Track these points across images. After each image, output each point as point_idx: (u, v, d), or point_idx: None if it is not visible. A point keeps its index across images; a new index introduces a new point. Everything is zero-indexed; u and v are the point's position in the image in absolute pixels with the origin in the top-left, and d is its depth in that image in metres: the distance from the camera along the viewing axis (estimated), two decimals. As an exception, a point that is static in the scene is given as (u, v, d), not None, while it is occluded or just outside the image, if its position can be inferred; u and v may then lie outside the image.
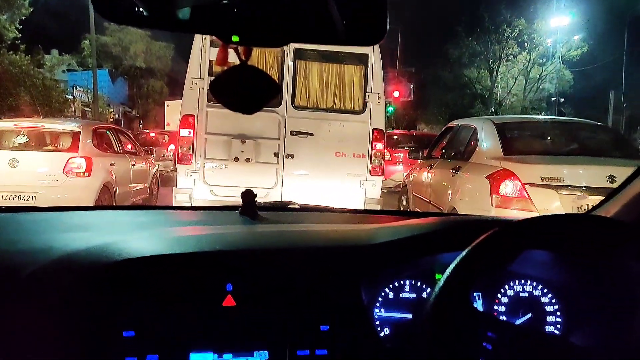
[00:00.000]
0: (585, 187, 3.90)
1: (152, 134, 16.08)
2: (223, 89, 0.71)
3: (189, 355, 0.88)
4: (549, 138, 5.03)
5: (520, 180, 3.99)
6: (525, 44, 30.44)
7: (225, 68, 0.69)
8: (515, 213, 3.96)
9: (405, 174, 7.45)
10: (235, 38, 0.61)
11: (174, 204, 4.95)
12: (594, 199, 3.71)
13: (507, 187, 4.04)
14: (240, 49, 0.68)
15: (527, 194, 3.94)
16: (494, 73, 32.06)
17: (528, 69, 31.01)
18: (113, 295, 0.87)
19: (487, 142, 4.77)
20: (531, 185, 3.96)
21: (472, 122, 5.51)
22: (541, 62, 31.00)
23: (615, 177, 3.84)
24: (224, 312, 0.92)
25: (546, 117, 6.70)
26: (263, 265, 0.97)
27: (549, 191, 3.94)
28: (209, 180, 5.08)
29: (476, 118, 6.18)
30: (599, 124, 5.63)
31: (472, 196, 4.56)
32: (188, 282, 0.92)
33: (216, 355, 0.90)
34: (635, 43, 26.74)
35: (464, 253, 0.83)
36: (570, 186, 3.93)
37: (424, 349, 0.78)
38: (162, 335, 0.88)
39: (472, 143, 5.10)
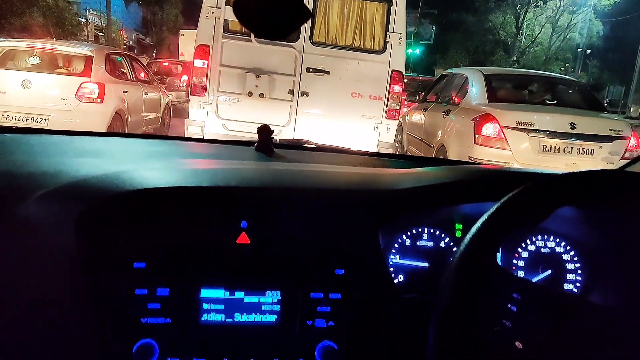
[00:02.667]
0: (549, 131, 4.86)
1: (166, 63, 15.75)
2: (247, 10, 0.64)
3: (200, 290, 0.87)
4: (527, 89, 5.84)
5: (499, 124, 4.84)
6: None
7: None
8: (493, 151, 4.86)
9: (401, 114, 8.03)
10: None
11: (186, 136, 4.94)
12: (555, 141, 4.85)
13: (488, 129, 4.91)
14: None
15: (504, 135, 4.83)
16: (520, 19, 30.66)
17: (557, 17, 29.60)
18: (124, 226, 0.85)
19: (475, 89, 5.57)
20: (508, 128, 4.84)
21: (464, 72, 6.26)
22: (571, 10, 29.52)
23: (575, 124, 4.82)
24: (237, 250, 0.90)
25: (529, 71, 7.85)
26: (279, 204, 0.94)
27: (521, 134, 4.84)
28: (222, 114, 5.02)
29: (468, 68, 6.82)
30: (573, 79, 6.50)
31: (459, 135, 5.30)
32: (201, 217, 0.89)
33: (228, 292, 0.89)
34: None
35: (495, 206, 0.78)
36: (538, 130, 4.85)
37: (446, 303, 0.73)
38: (174, 268, 0.86)
39: (463, 90, 5.85)
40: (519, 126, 4.84)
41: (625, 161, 5.10)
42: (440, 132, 5.78)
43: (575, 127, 4.83)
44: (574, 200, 0.90)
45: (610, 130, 4.98)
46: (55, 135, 1.33)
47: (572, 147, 4.90)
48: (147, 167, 1.03)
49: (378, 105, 5.13)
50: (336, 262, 0.92)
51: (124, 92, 6.71)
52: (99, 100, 6.03)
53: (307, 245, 0.92)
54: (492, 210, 0.77)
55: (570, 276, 1.13)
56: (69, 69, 6.33)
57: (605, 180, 0.83)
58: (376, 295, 0.93)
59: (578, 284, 1.13)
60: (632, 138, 5.00)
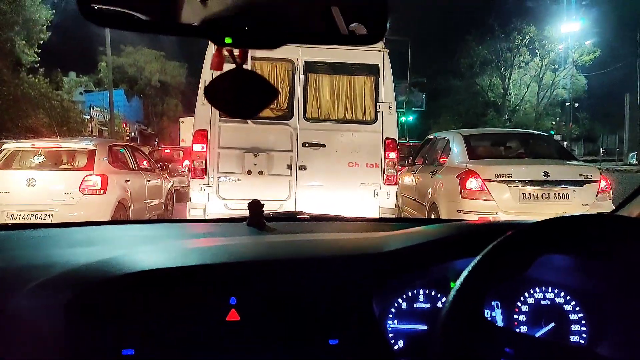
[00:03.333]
0: (526, 180, 5.34)
1: (167, 150, 16.22)
2: (218, 93, 0.68)
3: None
4: (503, 145, 6.51)
5: (481, 178, 5.37)
6: (537, 50, 30.25)
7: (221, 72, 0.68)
8: (479, 202, 5.35)
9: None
10: (228, 40, 0.59)
11: (188, 218, 4.96)
12: (533, 189, 5.32)
13: (472, 183, 5.40)
14: (236, 53, 0.66)
15: (487, 188, 5.33)
16: (506, 80, 31.85)
17: (540, 75, 30.76)
18: (112, 312, 0.84)
19: (457, 149, 6.14)
20: (489, 180, 5.33)
21: (446, 135, 6.90)
22: (554, 68, 30.74)
23: (548, 173, 5.33)
24: (227, 327, 0.88)
25: (503, 129, 9.07)
26: (269, 277, 0.93)
27: (502, 185, 5.34)
28: (223, 194, 5.08)
29: (448, 131, 7.64)
30: (542, 134, 7.47)
31: (447, 191, 5.80)
32: (190, 296, 0.88)
33: None
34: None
35: (476, 259, 0.77)
36: (516, 180, 5.34)
37: None
38: (163, 352, 0.85)
39: (446, 151, 6.41)
40: (498, 178, 5.34)
41: (601, 204, 5.41)
42: (430, 191, 6.23)
43: (549, 175, 5.32)
44: (557, 247, 0.88)
45: (580, 175, 5.45)
46: (51, 229, 1.35)
47: (548, 194, 5.34)
48: (137, 251, 1.03)
49: (375, 173, 5.21)
50: (329, 332, 0.90)
51: (127, 181, 6.85)
52: (102, 191, 6.14)
53: (299, 317, 0.90)
54: (472, 264, 0.76)
55: (575, 327, 1.09)
56: (72, 164, 6.52)
57: (589, 225, 0.82)
58: None
59: (584, 335, 1.09)
60: (601, 181, 5.46)
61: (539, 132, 7.55)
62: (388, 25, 0.65)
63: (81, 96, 30.16)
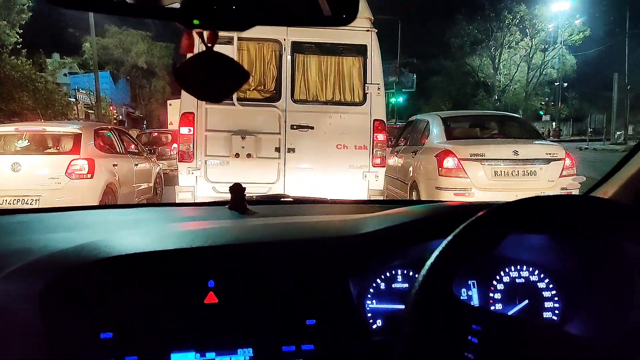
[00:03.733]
0: (498, 159, 5.82)
1: (155, 134, 16.04)
2: (187, 76, 0.67)
3: (170, 355, 0.86)
4: (477, 127, 6.95)
5: (457, 157, 5.80)
6: (527, 30, 30.19)
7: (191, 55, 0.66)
8: (455, 180, 5.79)
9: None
10: (195, 22, 0.58)
11: (177, 202, 4.94)
12: (504, 167, 5.80)
13: (449, 162, 5.84)
14: (205, 35, 0.65)
15: (462, 166, 5.77)
16: (496, 60, 31.84)
17: (530, 55, 30.77)
18: (90, 296, 0.85)
19: (436, 131, 6.58)
20: (464, 159, 5.78)
21: (426, 117, 7.37)
22: (544, 48, 30.75)
23: (518, 152, 5.80)
24: (206, 310, 0.89)
25: (478, 112, 10.09)
26: (246, 260, 0.94)
27: (476, 163, 5.79)
28: (211, 177, 5.07)
29: (429, 114, 7.94)
30: (514, 115, 8.09)
31: (426, 170, 6.23)
32: (168, 280, 0.89)
33: (198, 355, 0.87)
34: (637, 25, 26.45)
35: (447, 239, 0.79)
36: (489, 159, 5.81)
37: (407, 341, 0.74)
38: (142, 335, 0.85)
39: (426, 132, 6.83)
40: (473, 158, 5.80)
41: (566, 180, 5.80)
42: (411, 169, 6.69)
43: (518, 154, 5.81)
44: (529, 227, 0.90)
45: (547, 154, 5.93)
46: (31, 214, 1.34)
47: (518, 171, 5.82)
48: (116, 235, 1.03)
49: (364, 155, 5.21)
50: (307, 312, 0.91)
51: (114, 165, 6.78)
52: (89, 175, 6.08)
53: (276, 299, 0.91)
54: (443, 243, 0.78)
55: (548, 304, 1.12)
56: (58, 148, 6.43)
57: (563, 205, 0.83)
58: (349, 343, 0.91)
59: (557, 312, 1.12)
60: (566, 159, 5.94)
61: (511, 114, 8.16)
62: (359, 6, 0.64)
63: (66, 78, 29.61)
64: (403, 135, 8.02)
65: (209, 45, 0.65)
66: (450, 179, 5.79)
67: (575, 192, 6.03)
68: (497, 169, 5.78)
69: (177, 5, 0.58)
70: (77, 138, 6.27)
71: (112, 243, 0.94)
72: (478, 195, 5.69)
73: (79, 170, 6.03)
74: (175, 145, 13.58)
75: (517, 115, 8.07)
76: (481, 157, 5.78)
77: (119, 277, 0.87)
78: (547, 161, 5.84)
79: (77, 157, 6.08)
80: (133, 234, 1.09)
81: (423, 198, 6.31)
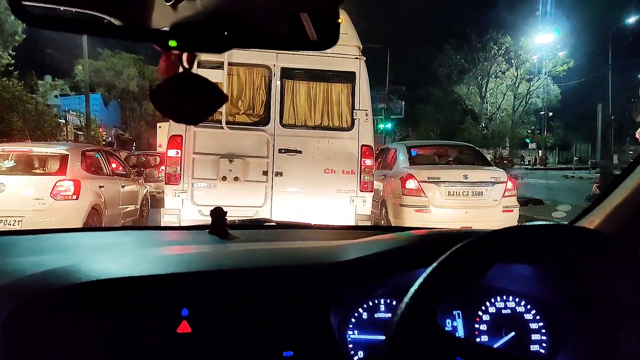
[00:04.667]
0: (451, 181, 6.83)
1: (143, 158, 15.91)
2: (162, 97, 0.66)
3: None
4: (436, 154, 8.20)
5: (417, 180, 6.81)
6: (513, 60, 30.89)
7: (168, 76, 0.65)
8: (415, 199, 6.75)
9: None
10: (172, 43, 0.58)
11: (162, 225, 4.88)
12: (456, 188, 6.82)
13: (410, 184, 6.84)
14: (184, 56, 0.64)
15: (421, 187, 6.78)
16: (483, 89, 32.41)
17: (516, 85, 31.40)
18: (56, 325, 0.80)
19: (401, 157, 7.76)
20: (423, 182, 6.79)
21: (395, 145, 8.81)
22: (529, 78, 31.42)
23: (467, 176, 6.88)
24: (178, 340, 0.84)
25: (437, 141, 11.35)
26: (223, 287, 0.90)
27: (433, 185, 6.80)
28: (197, 200, 5.02)
29: (397, 143, 10.27)
30: (467, 144, 9.19)
31: (392, 190, 7.22)
32: (139, 308, 0.85)
33: None
34: (619, 57, 27.21)
35: (430, 267, 0.76)
36: (444, 181, 6.81)
37: None
38: None
39: (393, 158, 7.97)
40: (430, 180, 6.81)
41: (508, 200, 6.69)
42: (381, 189, 7.56)
43: (468, 178, 6.86)
44: (514, 256, 0.87)
45: (492, 177, 7.02)
46: (4, 237, 1.29)
47: (467, 191, 6.82)
48: (87, 260, 0.99)
49: (351, 180, 5.22)
50: (284, 344, 0.87)
51: (100, 187, 6.73)
52: (74, 197, 6.01)
53: (252, 329, 0.87)
54: (427, 271, 0.75)
55: (535, 336, 1.09)
56: (44, 168, 6.37)
57: (548, 235, 0.81)
58: None
59: (544, 344, 1.09)
60: (508, 182, 7.04)
61: (466, 144, 9.35)
62: (340, 30, 0.64)
63: (57, 100, 29.51)
64: (378, 160, 8.78)
65: (187, 67, 0.64)
66: (411, 197, 6.80)
67: (515, 210, 7.10)
68: (450, 190, 6.80)
69: (154, 27, 0.57)
70: (63, 159, 6.22)
71: (82, 268, 0.90)
72: (434, 212, 6.72)
73: (65, 191, 5.96)
74: (163, 167, 13.46)
75: (471, 145, 9.10)
76: (437, 180, 6.81)
77: (88, 304, 0.83)
78: (492, 184, 6.90)
79: (63, 178, 6.03)
80: (106, 258, 1.04)
81: (390, 214, 7.19)
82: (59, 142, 11.26)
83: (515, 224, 6.61)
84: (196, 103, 0.67)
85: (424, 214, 6.65)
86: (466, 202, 6.78)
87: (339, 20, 0.65)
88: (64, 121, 24.83)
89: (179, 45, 0.59)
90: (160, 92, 0.66)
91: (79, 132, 26.62)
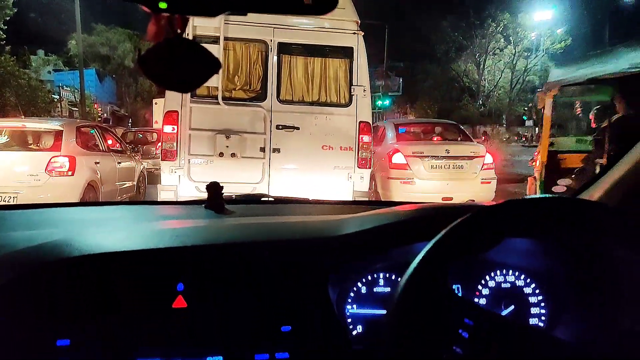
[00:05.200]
0: (433, 156, 7.31)
1: (140, 135, 15.80)
2: (152, 64, 0.62)
3: None
4: (421, 131, 8.75)
5: (403, 154, 7.31)
6: (511, 37, 30.58)
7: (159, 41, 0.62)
8: (401, 171, 7.24)
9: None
10: (162, 5, 0.54)
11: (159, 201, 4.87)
12: (438, 162, 7.30)
13: (396, 158, 7.33)
14: (174, 21, 0.60)
15: (407, 161, 7.28)
16: (481, 66, 32.16)
17: (514, 62, 31.16)
18: (46, 300, 0.78)
19: (389, 133, 8.22)
20: (408, 156, 7.29)
21: (385, 123, 9.33)
22: (526, 55, 31.16)
23: (449, 150, 7.40)
24: (173, 314, 0.83)
25: (423, 119, 11.74)
26: (219, 262, 0.88)
27: (417, 159, 7.28)
28: (194, 177, 4.99)
29: (387, 120, 10.51)
30: (450, 122, 9.56)
31: (381, 164, 7.58)
32: (133, 282, 0.83)
33: None
34: (616, 34, 26.97)
35: (432, 242, 0.75)
36: (427, 155, 7.29)
37: (388, 347, 0.70)
38: (103, 341, 0.79)
39: (382, 135, 8.35)
40: (415, 154, 7.30)
41: (486, 172, 7.07)
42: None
43: (449, 152, 7.37)
44: (518, 229, 0.86)
45: (471, 152, 7.50)
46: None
47: (449, 165, 7.33)
48: (80, 234, 0.97)
49: (349, 156, 5.21)
50: (282, 318, 0.86)
51: (96, 163, 6.68)
52: (69, 173, 5.97)
53: (249, 303, 0.86)
54: (427, 246, 0.74)
55: (534, 310, 1.09)
56: (38, 144, 6.31)
57: (550, 207, 0.80)
58: (327, 350, 0.86)
59: (543, 317, 1.09)
60: (486, 156, 7.48)
61: (449, 121, 9.82)
62: (338, 4, 0.61)
63: (50, 75, 29.10)
64: None
65: (178, 31, 0.61)
66: (398, 170, 7.31)
67: (493, 182, 7.49)
68: (433, 164, 7.30)
69: None
70: (58, 135, 6.16)
71: (74, 242, 0.88)
72: (418, 184, 7.24)
73: (60, 167, 5.92)
74: (160, 144, 13.36)
75: (453, 122, 9.58)
76: (421, 154, 7.30)
77: (80, 278, 0.81)
78: (471, 158, 7.40)
79: (58, 154, 5.98)
80: (100, 232, 1.02)
81: (378, 186, 7.63)
82: (52, 118, 11.15)
83: (493, 195, 7.39)
84: (188, 70, 0.64)
85: (408, 186, 7.19)
86: (448, 174, 7.31)
87: None
88: (57, 97, 24.54)
89: (170, 6, 0.56)
90: (149, 58, 0.62)
91: (73, 109, 26.36)
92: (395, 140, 7.94)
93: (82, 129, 6.90)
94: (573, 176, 5.88)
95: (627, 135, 4.77)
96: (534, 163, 6.97)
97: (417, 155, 7.29)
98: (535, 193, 6.55)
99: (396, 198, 7.18)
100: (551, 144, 6.75)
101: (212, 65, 0.66)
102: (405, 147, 7.46)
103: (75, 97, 25.78)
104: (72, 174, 5.99)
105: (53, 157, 5.93)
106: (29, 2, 21.27)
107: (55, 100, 22.92)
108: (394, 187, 7.22)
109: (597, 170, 5.23)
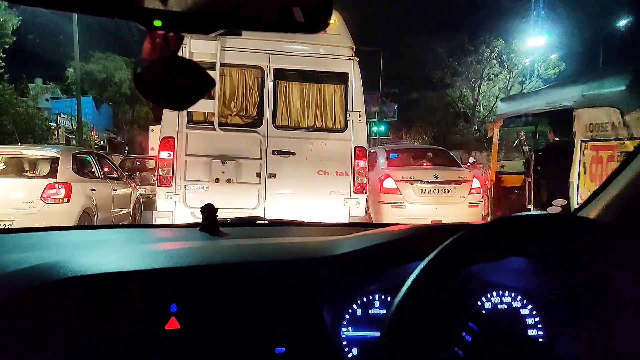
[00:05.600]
0: (423, 180, 7.66)
1: (139, 160, 15.91)
2: (148, 82, 0.62)
3: None
4: (411, 156, 9.05)
5: (393, 179, 7.66)
6: (505, 63, 31.09)
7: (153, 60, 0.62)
8: (391, 196, 7.59)
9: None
10: (157, 23, 0.55)
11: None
12: (427, 187, 7.66)
13: (387, 183, 7.67)
14: (169, 39, 0.60)
15: (397, 186, 7.62)
16: (476, 92, 32.58)
17: (508, 87, 31.59)
18: (39, 322, 0.78)
19: (381, 159, 8.58)
20: (399, 181, 7.64)
21: (378, 149, 9.65)
22: (521, 81, 31.62)
23: (437, 175, 7.74)
24: (167, 336, 0.82)
25: (413, 145, 12.22)
26: (212, 283, 0.88)
27: (407, 184, 7.61)
28: (190, 203, 4.97)
29: (379, 147, 10.67)
30: (439, 148, 10.21)
31: (373, 188, 7.47)
32: (126, 303, 0.83)
33: None
34: (609, 60, 27.48)
35: (425, 261, 0.75)
36: (417, 180, 7.65)
37: (385, 357, 0.69)
38: None
39: (375, 160, 8.59)
40: (405, 179, 7.64)
41: (473, 196, 7.29)
42: None
43: (438, 177, 7.70)
44: (514, 246, 0.86)
45: (459, 177, 7.88)
46: None
47: (437, 189, 7.66)
48: (74, 256, 0.96)
49: (345, 181, 5.21)
50: (276, 340, 0.85)
51: (92, 190, 6.67)
52: (65, 200, 5.95)
53: (243, 325, 0.85)
54: (421, 265, 0.74)
55: (531, 332, 1.08)
56: (35, 171, 6.30)
57: (546, 225, 0.79)
58: None
59: (540, 339, 1.07)
60: (474, 181, 7.81)
61: (437, 147, 10.37)
62: (332, 12, 0.62)
63: (47, 103, 29.27)
64: None
65: (173, 49, 0.61)
66: (388, 195, 7.65)
67: (480, 206, 7.78)
68: (422, 188, 7.67)
69: (138, 4, 0.54)
70: (54, 162, 6.17)
71: (67, 264, 0.87)
72: (408, 207, 7.57)
73: (55, 194, 5.90)
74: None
75: (443, 148, 10.12)
76: (411, 179, 7.68)
77: (72, 300, 0.80)
78: (460, 182, 7.77)
79: (54, 182, 5.96)
80: (93, 254, 1.01)
81: (370, 210, 7.78)
82: (49, 145, 11.16)
83: (480, 218, 7.59)
84: (183, 88, 0.64)
85: (399, 209, 7.55)
86: (436, 198, 7.69)
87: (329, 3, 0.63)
88: (55, 124, 24.64)
89: (164, 25, 0.56)
90: (144, 76, 0.62)
91: (70, 136, 26.44)
92: (387, 165, 8.39)
93: (78, 155, 6.90)
94: (515, 191, 7.73)
95: (549, 157, 6.41)
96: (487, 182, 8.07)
97: (407, 180, 7.69)
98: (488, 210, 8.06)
99: (387, 221, 7.32)
100: (502, 167, 8.35)
101: (207, 83, 0.66)
102: (396, 173, 7.88)
103: (72, 125, 25.88)
104: (68, 201, 5.97)
105: (49, 184, 5.92)
106: (28, 30, 21.56)
107: (53, 127, 23.01)
108: (385, 210, 7.53)
109: (529, 187, 6.84)
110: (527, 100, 7.59)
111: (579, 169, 4.80)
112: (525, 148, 8.81)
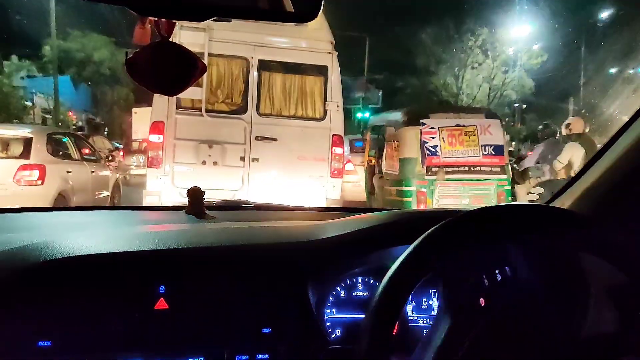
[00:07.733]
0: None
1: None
2: (139, 67, 0.63)
3: None
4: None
5: (353, 163, 9.71)
6: (489, 52, 31.34)
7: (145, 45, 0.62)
8: (352, 177, 9.31)
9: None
10: (149, 10, 0.56)
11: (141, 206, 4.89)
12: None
13: (349, 166, 8.75)
14: (161, 25, 0.60)
15: (356, 169, 9.46)
16: (460, 80, 32.83)
17: (492, 77, 31.89)
18: (27, 301, 0.78)
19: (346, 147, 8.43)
20: (358, 165, 9.47)
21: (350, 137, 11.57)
22: (504, 70, 31.97)
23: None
24: (155, 316, 0.84)
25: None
26: (200, 265, 0.90)
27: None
28: (178, 183, 5.26)
29: (346, 136, 13.23)
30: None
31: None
32: (115, 285, 0.84)
33: None
34: (593, 53, 27.93)
35: (411, 246, 0.76)
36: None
37: (365, 350, 0.71)
38: (84, 343, 0.79)
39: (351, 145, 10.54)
40: (361, 164, 9.08)
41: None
42: None
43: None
44: (495, 234, 0.87)
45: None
46: None
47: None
48: (61, 238, 0.96)
49: (323, 166, 5.59)
50: (262, 320, 0.88)
51: (68, 172, 6.51)
52: (39, 182, 5.81)
53: (230, 305, 0.87)
54: (407, 251, 0.75)
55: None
56: (6, 152, 6.11)
57: (524, 214, 0.81)
58: (307, 352, 0.88)
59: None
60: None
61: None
62: (322, 2, 0.62)
63: (23, 81, 28.44)
64: None
65: (165, 35, 0.61)
66: (349, 176, 8.86)
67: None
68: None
69: None
70: (27, 142, 6.00)
71: (55, 245, 0.88)
72: (363, 186, 8.73)
73: (28, 176, 5.76)
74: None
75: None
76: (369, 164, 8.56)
77: (61, 280, 0.81)
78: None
79: (27, 163, 5.80)
80: (80, 236, 1.01)
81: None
82: (24, 124, 10.90)
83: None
84: (173, 72, 0.64)
85: (358, 189, 8.92)
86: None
87: None
88: (31, 104, 24.03)
89: (156, 11, 0.56)
90: (136, 61, 0.62)
91: (47, 116, 25.84)
92: (350, 151, 10.37)
93: (53, 136, 6.72)
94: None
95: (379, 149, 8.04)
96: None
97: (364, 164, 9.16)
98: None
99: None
100: (370, 161, 10.01)
101: (195, 67, 0.66)
102: (355, 158, 9.99)
103: (49, 104, 25.26)
104: (42, 184, 5.83)
105: (21, 165, 5.75)
106: (2, 5, 20.88)
107: (28, 107, 22.44)
108: (347, 188, 8.48)
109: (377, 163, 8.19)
110: (379, 117, 9.46)
111: (384, 154, 7.38)
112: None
